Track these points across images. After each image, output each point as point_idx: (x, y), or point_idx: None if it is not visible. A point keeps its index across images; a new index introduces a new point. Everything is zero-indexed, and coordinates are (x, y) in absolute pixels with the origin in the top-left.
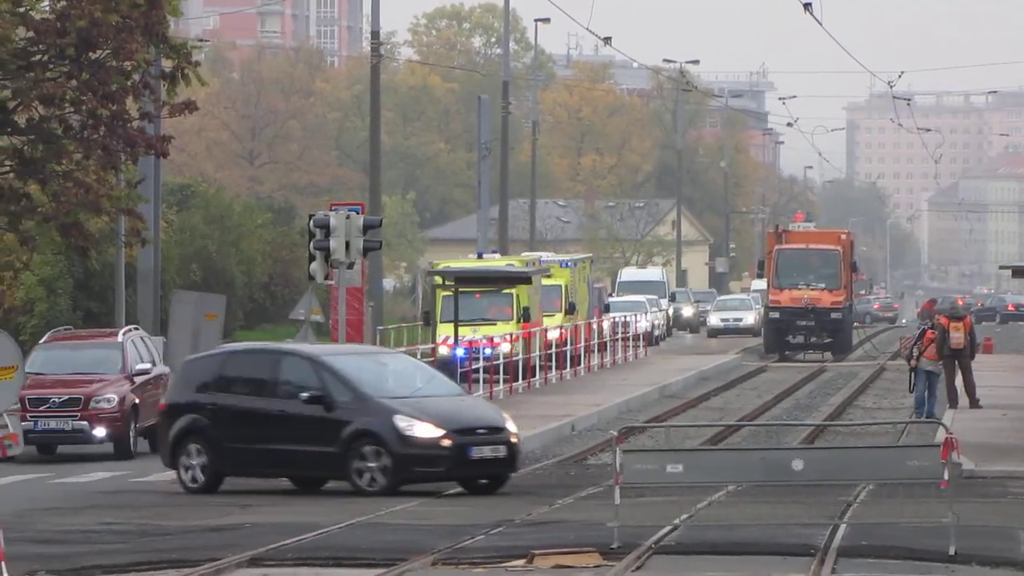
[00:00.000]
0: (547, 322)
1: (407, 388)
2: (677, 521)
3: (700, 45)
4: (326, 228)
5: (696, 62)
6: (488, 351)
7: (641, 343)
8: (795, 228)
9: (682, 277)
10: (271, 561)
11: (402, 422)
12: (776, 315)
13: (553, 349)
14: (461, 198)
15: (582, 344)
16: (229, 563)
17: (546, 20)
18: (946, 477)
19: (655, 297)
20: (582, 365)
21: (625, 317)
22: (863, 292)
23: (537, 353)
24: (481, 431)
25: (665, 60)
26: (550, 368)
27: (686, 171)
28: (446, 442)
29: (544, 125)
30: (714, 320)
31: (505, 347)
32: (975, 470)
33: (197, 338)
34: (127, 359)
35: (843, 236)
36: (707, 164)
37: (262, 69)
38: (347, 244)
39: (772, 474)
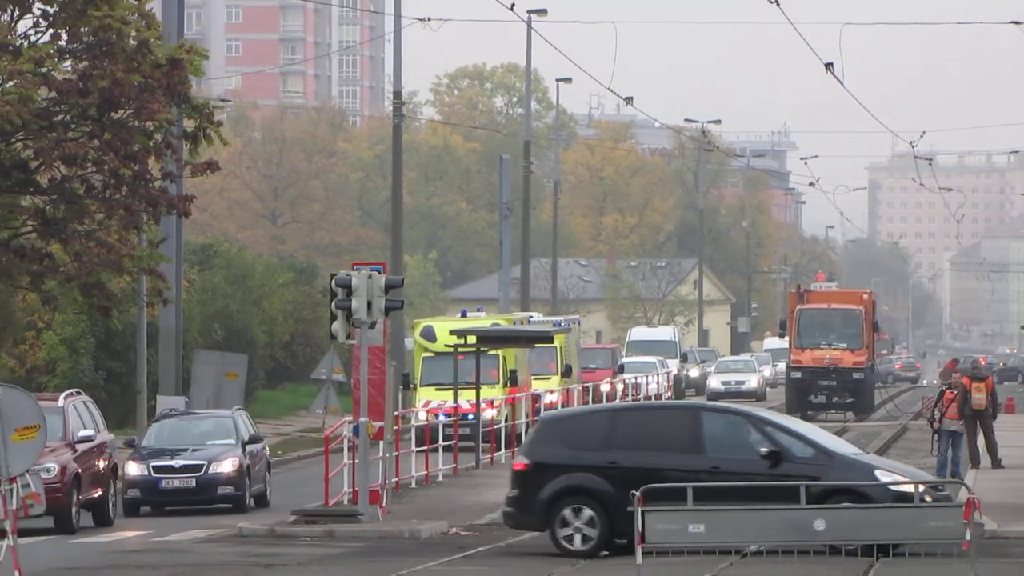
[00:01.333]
0: (543, 385)
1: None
2: None
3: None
4: (348, 288)
5: (718, 122)
6: (470, 416)
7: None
8: (817, 288)
9: (704, 337)
10: None
11: (885, 477)
12: (798, 375)
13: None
14: (483, 258)
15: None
16: None
17: (568, 80)
18: (968, 537)
19: (663, 358)
20: None
21: (635, 378)
22: (885, 352)
23: (523, 420)
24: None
25: (687, 120)
26: None
27: (708, 231)
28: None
29: (566, 185)
30: (714, 383)
31: (489, 413)
32: (997, 530)
33: (218, 397)
34: (68, 425)
35: (865, 296)
36: (729, 224)
37: (284, 129)
38: (369, 304)
39: (795, 535)
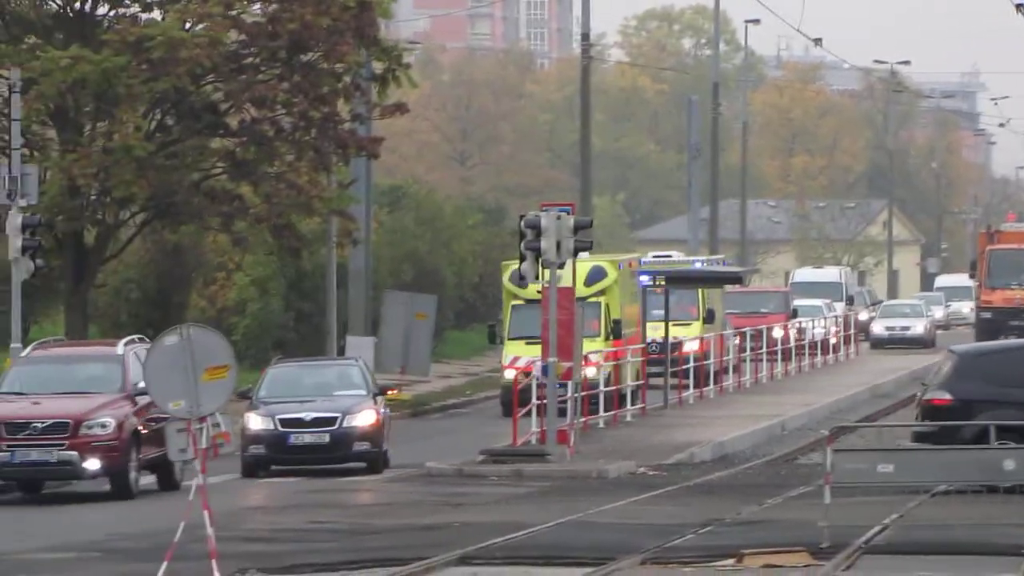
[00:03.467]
0: (682, 332)
1: None
2: (887, 521)
3: (911, 46)
4: (537, 229)
5: (907, 63)
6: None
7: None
8: (1007, 228)
9: (894, 278)
10: (480, 560)
11: None
12: (988, 315)
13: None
14: (671, 199)
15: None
16: (438, 562)
17: (756, 21)
18: None
19: (830, 301)
20: (793, 365)
21: (800, 323)
22: None
23: (629, 383)
24: None
25: (876, 61)
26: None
27: (897, 172)
28: None
29: (754, 126)
30: (878, 329)
31: (588, 372)
32: None
33: (408, 338)
34: (128, 375)
35: None
36: (919, 165)
37: (472, 71)
38: (558, 244)
39: (984, 474)
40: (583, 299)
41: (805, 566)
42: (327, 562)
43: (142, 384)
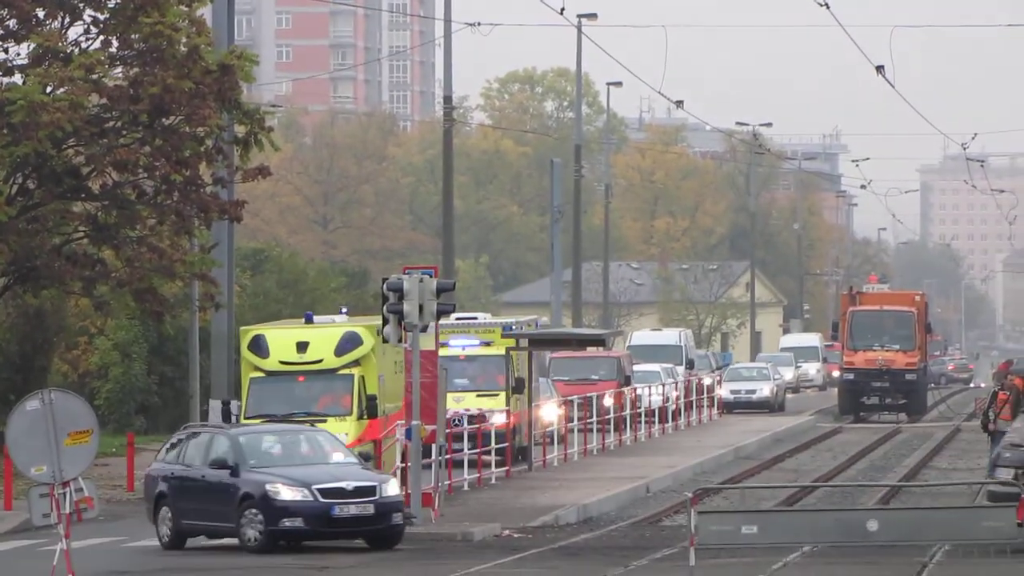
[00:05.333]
0: (488, 404)
1: None
2: None
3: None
4: (400, 292)
5: (769, 125)
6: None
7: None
8: (869, 290)
9: (756, 339)
10: None
11: None
12: (851, 376)
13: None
14: (534, 261)
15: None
16: None
17: (618, 84)
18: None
19: (672, 365)
20: (656, 427)
21: (635, 390)
22: (938, 353)
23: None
24: None
25: (738, 123)
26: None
27: (760, 233)
28: None
29: (617, 188)
30: (724, 392)
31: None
32: None
33: None
34: None
35: (917, 297)
36: (781, 226)
37: (335, 134)
38: (421, 307)
39: (847, 535)
40: (332, 371)
41: None
42: None
43: None
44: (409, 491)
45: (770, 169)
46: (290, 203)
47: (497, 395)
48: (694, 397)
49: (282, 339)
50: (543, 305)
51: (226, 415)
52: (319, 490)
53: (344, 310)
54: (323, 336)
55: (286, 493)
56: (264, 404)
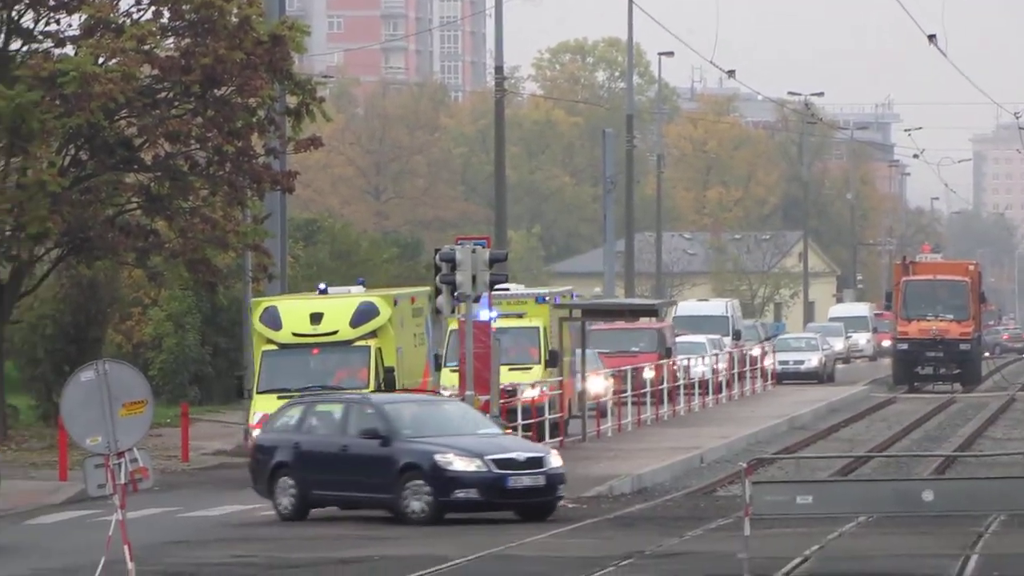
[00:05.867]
0: (520, 377)
1: None
2: (807, 552)
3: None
4: (452, 262)
5: (821, 94)
6: None
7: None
8: (923, 259)
9: (809, 309)
10: None
11: None
12: (905, 346)
13: None
14: (587, 232)
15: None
16: None
17: (670, 54)
18: None
19: (717, 336)
20: (710, 397)
21: (684, 360)
22: (992, 323)
23: None
24: None
25: (790, 93)
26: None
27: (812, 203)
28: None
29: (669, 158)
30: (769, 362)
31: None
32: None
33: None
34: None
35: (971, 267)
36: (833, 196)
37: (386, 105)
38: (473, 278)
39: (902, 505)
40: (347, 343)
41: None
42: None
43: None
44: None
45: (822, 139)
46: (342, 174)
47: (530, 368)
48: (740, 369)
49: (295, 310)
50: (596, 275)
51: (239, 390)
52: (493, 461)
53: (360, 281)
54: (338, 307)
55: (459, 463)
56: (277, 378)
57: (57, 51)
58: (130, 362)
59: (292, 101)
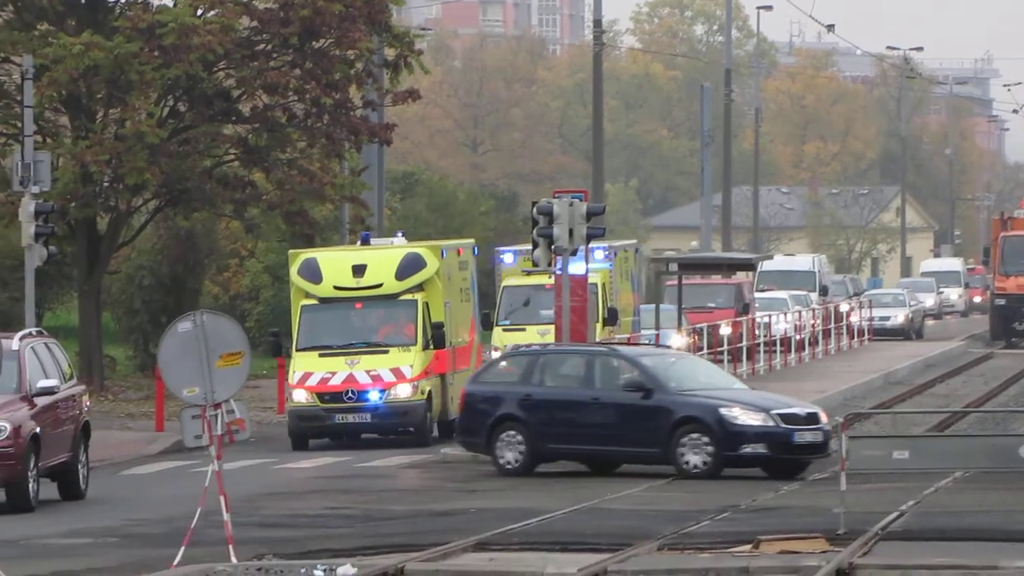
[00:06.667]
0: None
1: None
2: (904, 507)
3: (924, 32)
4: (549, 215)
5: (920, 49)
6: (367, 396)
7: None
8: (1020, 215)
9: (907, 265)
10: (497, 545)
11: None
12: (1003, 301)
13: None
14: (684, 185)
15: None
16: (455, 547)
17: (768, 8)
18: None
19: (803, 292)
20: (806, 351)
21: (765, 318)
22: None
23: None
24: None
25: (889, 47)
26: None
27: (910, 158)
28: None
29: (767, 113)
30: (859, 320)
31: (401, 390)
32: None
33: None
34: (24, 374)
35: None
36: (931, 151)
37: (484, 58)
38: (571, 231)
39: (998, 461)
40: (392, 296)
41: (822, 552)
42: (343, 548)
43: (41, 383)
44: None
45: (921, 94)
46: (440, 127)
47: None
48: (826, 326)
49: (336, 262)
50: (693, 229)
51: (276, 347)
52: (779, 415)
53: (400, 233)
54: (382, 258)
55: (745, 418)
56: (318, 335)
57: (156, 2)
58: (227, 313)
59: (390, 53)
